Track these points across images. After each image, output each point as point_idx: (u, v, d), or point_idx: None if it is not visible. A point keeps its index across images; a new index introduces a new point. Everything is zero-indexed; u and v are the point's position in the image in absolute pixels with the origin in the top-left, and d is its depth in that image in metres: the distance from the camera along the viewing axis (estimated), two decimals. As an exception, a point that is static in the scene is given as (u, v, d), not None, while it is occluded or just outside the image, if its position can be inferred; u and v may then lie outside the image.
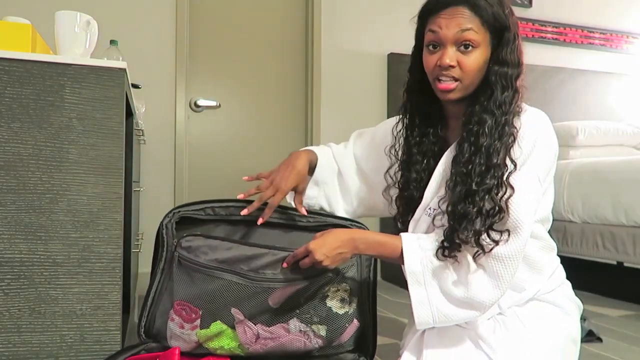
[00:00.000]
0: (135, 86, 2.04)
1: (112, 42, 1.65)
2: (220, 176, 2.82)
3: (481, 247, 0.95)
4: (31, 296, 1.13)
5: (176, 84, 2.69)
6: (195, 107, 2.78)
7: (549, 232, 1.12)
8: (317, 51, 2.94)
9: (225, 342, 1.11)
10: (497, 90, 0.99)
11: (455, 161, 1.01)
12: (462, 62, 1.00)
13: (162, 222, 1.16)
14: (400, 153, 1.14)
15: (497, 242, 0.94)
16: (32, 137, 1.13)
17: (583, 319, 1.66)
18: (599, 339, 1.69)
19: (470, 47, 0.99)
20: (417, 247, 1.01)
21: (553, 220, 1.13)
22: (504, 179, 0.95)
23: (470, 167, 0.97)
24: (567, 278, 1.17)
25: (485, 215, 0.95)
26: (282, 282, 1.08)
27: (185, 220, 1.18)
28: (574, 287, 1.17)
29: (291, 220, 1.18)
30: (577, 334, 1.11)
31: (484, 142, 0.97)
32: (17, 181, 1.12)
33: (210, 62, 2.82)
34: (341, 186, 1.29)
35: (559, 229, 2.54)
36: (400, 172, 1.14)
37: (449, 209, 0.98)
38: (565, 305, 1.10)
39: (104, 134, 1.17)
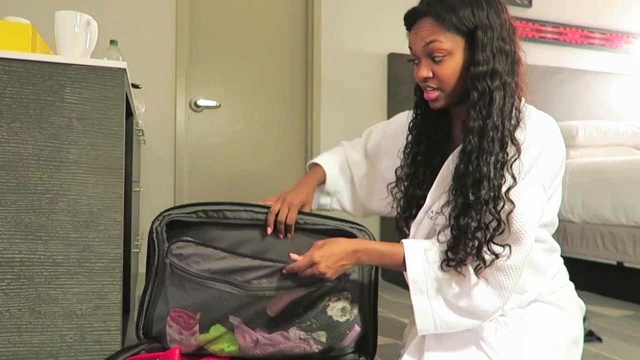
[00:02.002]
0: (135, 86, 2.04)
1: (112, 42, 1.65)
2: (220, 176, 2.82)
3: (482, 260, 0.94)
4: (31, 296, 1.13)
5: (176, 84, 2.69)
6: (195, 107, 2.78)
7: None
8: (317, 51, 2.94)
9: (225, 345, 1.11)
10: (476, 93, 0.97)
11: (456, 170, 1.00)
12: (436, 73, 1.00)
13: (152, 226, 1.14)
14: (408, 150, 1.15)
15: (497, 256, 0.94)
16: (32, 137, 1.13)
17: (583, 319, 1.66)
18: (599, 339, 1.69)
19: (441, 57, 0.99)
20: (420, 256, 1.00)
21: (553, 220, 1.13)
22: (503, 192, 0.94)
23: (464, 179, 0.96)
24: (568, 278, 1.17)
25: (485, 228, 0.93)
26: (278, 291, 1.06)
27: (177, 223, 1.15)
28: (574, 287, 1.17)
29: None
30: (580, 336, 1.11)
31: (470, 148, 0.96)
32: (17, 181, 1.12)
33: (210, 62, 2.82)
34: (352, 193, 1.33)
35: (559, 229, 2.54)
36: (406, 169, 1.15)
37: (452, 221, 0.97)
38: (568, 307, 1.10)
39: (104, 134, 1.17)
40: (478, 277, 0.96)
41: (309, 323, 1.09)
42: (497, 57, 0.96)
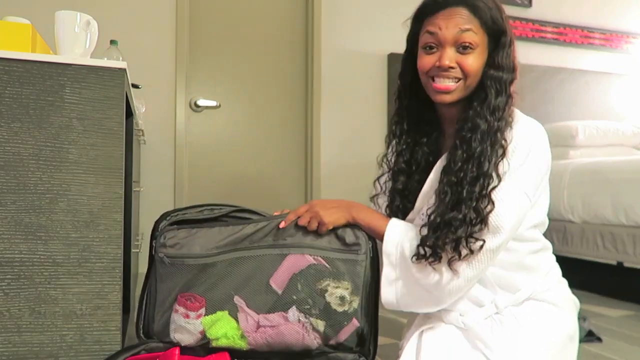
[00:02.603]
0: (135, 86, 2.04)
1: (112, 42, 1.65)
2: (220, 176, 2.82)
3: (459, 253, 0.95)
4: (31, 296, 1.13)
5: (176, 84, 2.69)
6: (195, 107, 2.78)
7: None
8: (317, 51, 2.94)
9: (228, 330, 1.11)
10: (491, 95, 0.98)
11: (446, 170, 1.00)
12: (462, 63, 0.99)
13: (157, 225, 1.14)
14: (392, 162, 1.14)
15: (472, 251, 0.95)
16: (32, 137, 1.13)
17: (583, 319, 1.66)
18: (599, 339, 1.69)
19: (469, 49, 0.98)
20: (399, 231, 1.03)
21: (553, 220, 1.13)
22: (488, 191, 0.95)
23: (462, 175, 0.96)
24: (568, 278, 1.17)
25: (469, 223, 0.94)
26: (282, 249, 1.10)
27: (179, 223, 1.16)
28: (574, 287, 1.17)
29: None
30: (575, 332, 1.11)
31: (476, 147, 0.96)
32: (17, 181, 1.12)
33: (210, 62, 2.82)
34: None
35: (559, 229, 2.54)
36: (391, 181, 1.14)
37: (437, 219, 0.97)
38: (562, 304, 1.10)
39: (104, 134, 1.17)
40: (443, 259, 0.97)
41: (308, 306, 1.10)
42: (512, 64, 1.01)
